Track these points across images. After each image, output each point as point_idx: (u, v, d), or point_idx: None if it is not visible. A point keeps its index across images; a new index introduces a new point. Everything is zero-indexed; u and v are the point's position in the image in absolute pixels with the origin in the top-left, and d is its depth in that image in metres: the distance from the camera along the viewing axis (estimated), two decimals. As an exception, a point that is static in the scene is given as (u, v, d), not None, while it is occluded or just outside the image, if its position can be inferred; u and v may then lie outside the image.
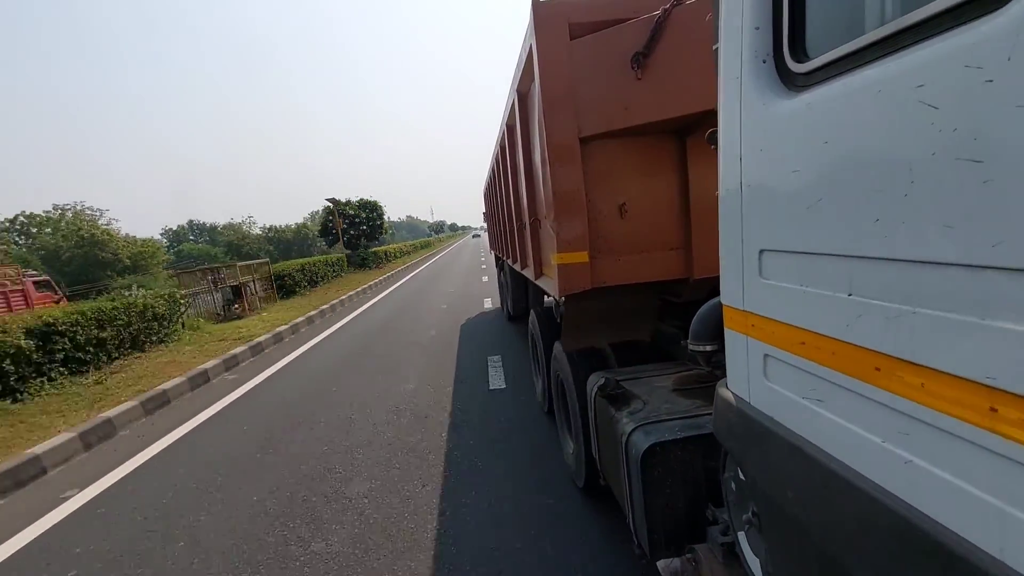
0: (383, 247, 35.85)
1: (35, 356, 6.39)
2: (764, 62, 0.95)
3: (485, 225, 10.84)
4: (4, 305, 13.85)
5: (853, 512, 0.80)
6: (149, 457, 4.63)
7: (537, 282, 3.66)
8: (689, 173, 2.47)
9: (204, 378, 6.89)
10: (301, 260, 19.21)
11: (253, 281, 13.32)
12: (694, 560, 1.77)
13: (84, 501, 3.92)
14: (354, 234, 31.39)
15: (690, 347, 1.59)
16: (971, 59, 0.57)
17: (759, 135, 0.98)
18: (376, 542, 2.94)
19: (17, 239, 40.50)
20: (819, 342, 0.86)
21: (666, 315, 3.06)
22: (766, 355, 1.04)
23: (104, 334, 7.51)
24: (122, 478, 4.27)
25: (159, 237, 62.72)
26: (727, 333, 1.19)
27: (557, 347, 3.33)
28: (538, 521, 2.97)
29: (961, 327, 0.62)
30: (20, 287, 15.15)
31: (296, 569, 2.79)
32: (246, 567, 2.87)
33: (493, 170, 6.10)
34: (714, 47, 1.19)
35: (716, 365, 1.52)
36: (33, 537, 3.47)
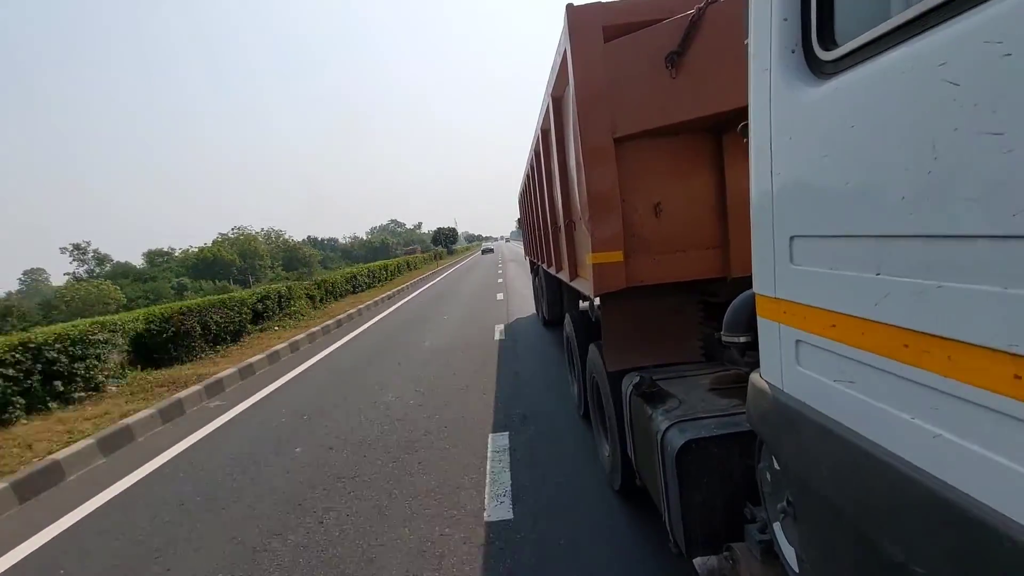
0: (458, 247, 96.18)
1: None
2: (793, 52, 0.97)
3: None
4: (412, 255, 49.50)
5: (884, 490, 0.81)
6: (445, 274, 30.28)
7: (572, 284, 3.68)
8: (726, 171, 2.46)
9: (438, 271, 34.37)
10: (435, 250, 61.73)
11: (437, 255, 55.71)
12: (731, 559, 1.75)
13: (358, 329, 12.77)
14: (444, 240, 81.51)
15: (724, 338, 1.59)
16: (991, 34, 0.59)
17: (788, 124, 1.00)
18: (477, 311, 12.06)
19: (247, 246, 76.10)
20: (849, 323, 0.88)
21: (706, 316, 3.02)
22: (798, 340, 1.05)
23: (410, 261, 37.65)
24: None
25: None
26: (760, 322, 1.21)
27: (593, 349, 3.35)
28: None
29: (984, 298, 0.63)
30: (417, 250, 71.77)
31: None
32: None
33: (528, 176, 6.16)
34: (746, 42, 1.21)
35: (750, 357, 1.51)
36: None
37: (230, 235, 76.59)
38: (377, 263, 25.83)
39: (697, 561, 1.84)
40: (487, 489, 3.32)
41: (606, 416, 3.17)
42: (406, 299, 16.93)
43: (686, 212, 2.53)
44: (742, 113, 2.08)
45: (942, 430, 0.71)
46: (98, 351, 6.84)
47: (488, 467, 3.65)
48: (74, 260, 71.04)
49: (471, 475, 3.56)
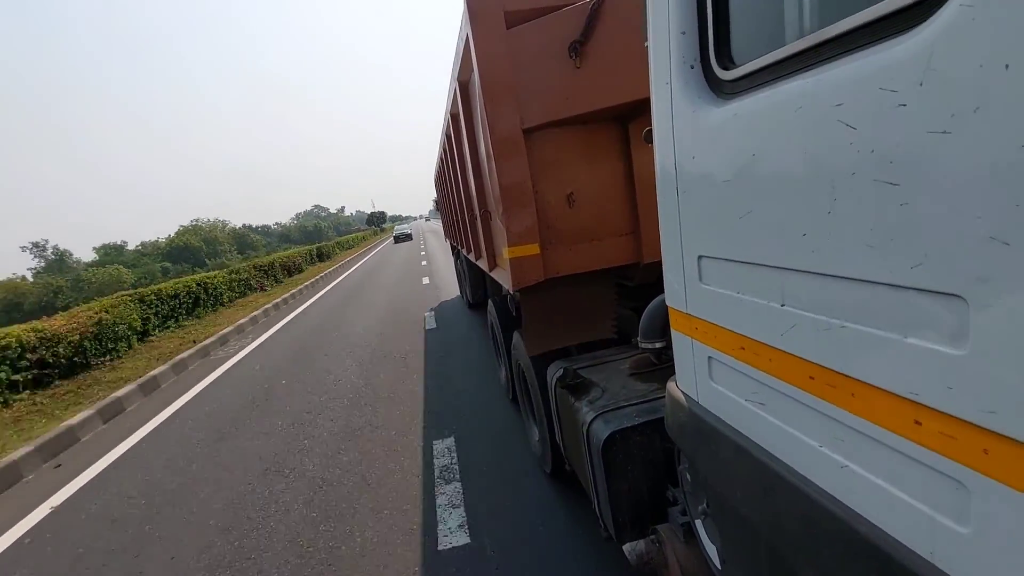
0: (386, 226, 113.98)
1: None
2: (692, 67, 0.93)
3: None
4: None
5: (796, 512, 0.83)
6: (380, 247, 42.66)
7: (492, 274, 3.61)
8: (633, 158, 2.47)
9: (383, 239, 57.87)
10: (371, 228, 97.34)
11: (375, 232, 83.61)
12: (657, 541, 1.83)
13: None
14: (376, 222, 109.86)
15: (641, 344, 1.61)
16: (885, 82, 0.57)
17: (691, 142, 0.97)
18: (409, 261, 21.61)
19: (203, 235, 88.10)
20: (757, 348, 0.88)
21: (621, 297, 3.09)
22: (710, 357, 1.05)
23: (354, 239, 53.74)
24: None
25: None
26: (673, 334, 1.21)
27: (516, 337, 3.33)
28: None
29: (886, 344, 0.63)
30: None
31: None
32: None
33: (442, 159, 5.95)
34: (645, 44, 1.17)
35: (667, 359, 1.54)
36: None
37: (190, 227, 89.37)
38: (352, 235, 47.24)
39: (626, 547, 1.90)
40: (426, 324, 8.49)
41: (533, 401, 3.19)
42: (376, 250, 31.47)
43: (598, 201, 2.53)
44: (646, 103, 2.09)
45: (850, 462, 0.72)
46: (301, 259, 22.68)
47: (425, 316, 8.76)
48: (35, 257, 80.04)
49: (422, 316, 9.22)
